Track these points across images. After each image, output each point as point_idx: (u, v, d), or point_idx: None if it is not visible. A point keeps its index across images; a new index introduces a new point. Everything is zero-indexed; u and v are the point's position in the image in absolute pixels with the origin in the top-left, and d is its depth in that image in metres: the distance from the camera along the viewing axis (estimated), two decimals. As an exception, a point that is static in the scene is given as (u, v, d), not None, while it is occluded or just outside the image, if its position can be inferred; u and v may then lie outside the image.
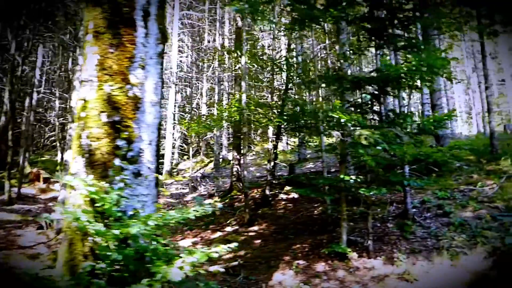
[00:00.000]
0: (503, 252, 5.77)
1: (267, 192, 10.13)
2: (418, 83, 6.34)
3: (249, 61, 10.69)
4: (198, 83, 22.09)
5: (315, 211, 9.40)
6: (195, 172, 19.58)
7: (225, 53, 16.21)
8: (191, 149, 22.17)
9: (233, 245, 3.19)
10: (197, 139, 21.94)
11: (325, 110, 5.57)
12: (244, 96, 9.73)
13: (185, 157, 23.24)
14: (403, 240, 7.06)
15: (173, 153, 21.20)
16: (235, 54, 11.58)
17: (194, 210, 3.44)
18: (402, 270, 6.06)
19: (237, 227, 9.35)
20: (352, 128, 5.76)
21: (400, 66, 5.90)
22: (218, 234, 9.08)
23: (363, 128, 5.70)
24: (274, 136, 12.14)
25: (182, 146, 23.82)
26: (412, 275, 5.85)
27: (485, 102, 18.01)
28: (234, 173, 12.25)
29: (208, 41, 20.18)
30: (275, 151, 10.75)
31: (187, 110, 23.95)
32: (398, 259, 6.29)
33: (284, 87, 11.06)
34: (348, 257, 6.73)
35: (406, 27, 6.56)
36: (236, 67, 12.05)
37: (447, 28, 9.00)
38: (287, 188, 10.70)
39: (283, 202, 10.45)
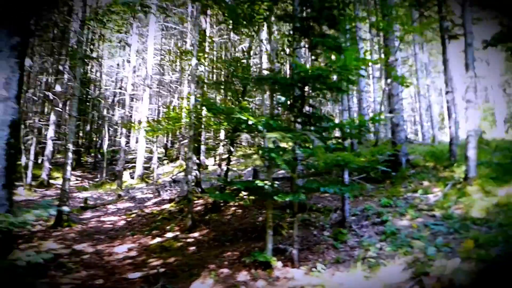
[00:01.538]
0: (422, 263, 5.41)
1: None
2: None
3: (202, 63, 10.44)
4: (177, 86, 21.91)
5: (260, 218, 9.07)
6: (173, 177, 19.29)
7: (181, 54, 15.99)
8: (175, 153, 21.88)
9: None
10: (177, 143, 21.66)
11: (233, 111, 5.26)
12: (192, 99, 9.46)
13: (166, 161, 22.99)
14: (332, 249, 6.72)
15: (151, 158, 20.93)
16: (188, 56, 11.34)
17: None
18: (318, 282, 5.72)
19: (178, 233, 9.03)
20: (264, 131, 5.44)
21: (313, 67, 5.61)
22: (157, 240, 8.75)
23: (273, 131, 5.40)
24: (226, 140, 11.85)
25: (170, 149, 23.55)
26: (325, 287, 5.51)
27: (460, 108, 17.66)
28: (193, 177, 11.94)
29: (183, 44, 20.01)
30: (229, 155, 10.44)
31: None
32: (317, 270, 5.95)
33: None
34: (272, 266, 6.38)
35: (332, 25, 6.29)
36: (189, 69, 11.79)
37: (404, 29, 8.71)
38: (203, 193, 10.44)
39: (233, 208, 10.13)
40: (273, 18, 6.71)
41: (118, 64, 24.88)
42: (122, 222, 10.86)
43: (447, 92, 10.37)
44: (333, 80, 5.91)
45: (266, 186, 5.82)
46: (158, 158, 22.77)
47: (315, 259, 6.46)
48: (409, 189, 8.70)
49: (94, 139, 28.02)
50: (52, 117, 16.70)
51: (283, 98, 5.58)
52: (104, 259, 7.83)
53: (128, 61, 19.26)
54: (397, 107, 10.19)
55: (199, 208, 10.77)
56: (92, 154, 26.85)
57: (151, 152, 20.02)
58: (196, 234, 8.79)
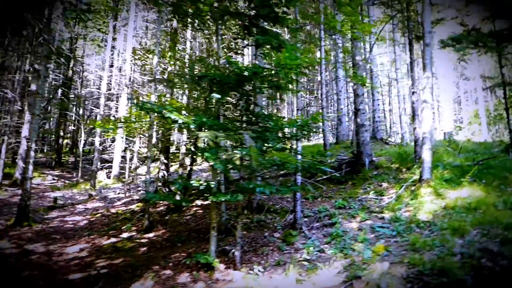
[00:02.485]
0: (357, 267, 5.29)
1: (177, 197, 9.65)
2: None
3: (169, 62, 10.31)
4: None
5: (218, 218, 8.91)
6: (147, 177, 19.05)
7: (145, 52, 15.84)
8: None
9: None
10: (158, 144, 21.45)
11: (163, 109, 5.12)
12: (153, 97, 9.31)
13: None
14: (277, 251, 6.59)
15: (132, 157, 20.72)
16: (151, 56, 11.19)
17: None
18: (254, 284, 5.59)
19: (134, 234, 8.88)
20: (196, 130, 5.31)
21: (249, 66, 5.50)
22: (111, 240, 8.59)
23: (210, 129, 5.28)
24: (187, 141, 11.70)
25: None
26: (258, 291, 5.39)
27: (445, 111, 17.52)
28: (160, 177, 11.80)
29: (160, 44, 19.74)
30: (192, 155, 10.29)
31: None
32: (254, 272, 5.82)
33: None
34: (215, 268, 6.24)
35: (274, 22, 6.17)
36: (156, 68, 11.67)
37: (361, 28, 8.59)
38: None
39: (195, 209, 9.99)
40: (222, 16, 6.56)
41: (101, 63, 24.69)
42: (84, 222, 10.68)
43: (413, 93, 10.27)
44: (271, 79, 5.77)
45: (201, 187, 5.68)
46: (139, 158, 22.58)
47: (258, 261, 6.33)
48: (368, 190, 8.59)
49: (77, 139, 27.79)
50: (27, 116, 16.48)
51: (217, 96, 5.44)
52: (52, 259, 7.67)
53: (103, 61, 19.07)
54: (361, 107, 10.07)
55: (161, 208, 10.63)
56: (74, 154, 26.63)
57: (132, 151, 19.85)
58: (151, 235, 8.64)
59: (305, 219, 7.68)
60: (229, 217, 8.69)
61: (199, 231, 8.35)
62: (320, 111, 11.17)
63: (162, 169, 11.80)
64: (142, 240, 8.38)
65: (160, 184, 11.74)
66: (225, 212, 8.22)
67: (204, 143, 5.24)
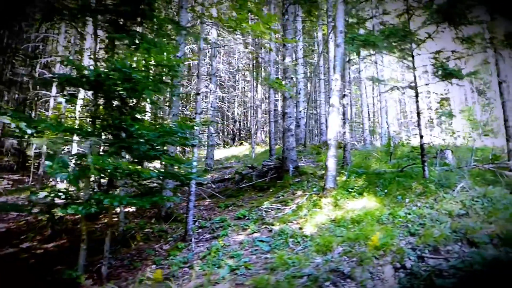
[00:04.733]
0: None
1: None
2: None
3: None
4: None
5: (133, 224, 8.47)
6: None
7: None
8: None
9: None
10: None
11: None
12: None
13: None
14: (153, 266, 6.13)
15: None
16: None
17: None
18: (106, 304, 5.13)
19: (35, 243, 8.42)
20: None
21: (105, 68, 5.07)
22: (9, 250, 8.13)
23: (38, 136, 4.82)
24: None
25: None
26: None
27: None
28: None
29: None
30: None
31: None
32: (110, 291, 5.35)
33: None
34: (81, 284, 5.78)
35: (138, 21, 5.72)
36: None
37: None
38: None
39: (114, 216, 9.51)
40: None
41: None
42: (2, 230, 10.24)
43: (343, 96, 9.79)
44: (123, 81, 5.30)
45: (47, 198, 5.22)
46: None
47: (126, 277, 5.88)
48: (279, 199, 8.11)
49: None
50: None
51: (61, 99, 4.99)
52: None
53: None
54: (288, 110, 9.59)
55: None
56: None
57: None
58: (50, 245, 8.17)
59: (200, 230, 7.23)
60: (136, 225, 8.25)
61: (102, 241, 7.88)
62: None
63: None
64: (38, 251, 7.92)
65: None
66: (123, 221, 7.77)
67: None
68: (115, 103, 5.85)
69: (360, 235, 5.06)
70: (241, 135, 36.17)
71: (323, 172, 9.59)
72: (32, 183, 18.63)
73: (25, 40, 19.83)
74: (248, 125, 34.47)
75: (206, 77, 19.75)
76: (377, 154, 10.60)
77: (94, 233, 8.79)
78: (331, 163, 7.10)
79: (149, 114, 10.88)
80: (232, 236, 6.52)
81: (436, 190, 6.35)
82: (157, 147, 5.80)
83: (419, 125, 7.10)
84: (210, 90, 16.60)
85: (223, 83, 26.96)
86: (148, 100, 5.71)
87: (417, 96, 7.13)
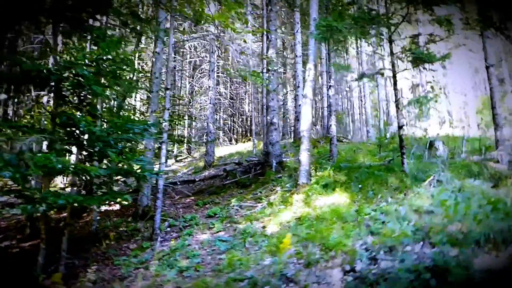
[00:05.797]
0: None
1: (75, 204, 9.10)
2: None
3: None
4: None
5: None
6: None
7: None
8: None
9: None
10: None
11: None
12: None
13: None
14: (111, 267, 5.95)
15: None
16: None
17: None
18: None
19: (14, 242, 8.41)
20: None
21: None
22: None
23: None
24: None
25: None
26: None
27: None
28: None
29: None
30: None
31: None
32: (67, 291, 5.21)
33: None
34: (40, 283, 5.68)
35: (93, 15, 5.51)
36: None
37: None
38: None
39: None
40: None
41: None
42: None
43: (329, 87, 9.36)
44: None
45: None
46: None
47: (83, 277, 5.72)
48: (256, 196, 7.81)
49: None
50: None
51: (3, 96, 4.85)
52: None
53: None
54: (271, 104, 9.24)
55: (66, 214, 10.13)
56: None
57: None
58: (27, 244, 8.14)
59: (168, 228, 7.01)
60: (112, 224, 8.13)
61: (80, 240, 7.80)
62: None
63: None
64: (14, 250, 7.90)
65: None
66: (95, 220, 7.65)
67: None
68: (67, 99, 5.68)
69: (316, 235, 4.71)
70: (253, 131, 35.85)
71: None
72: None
73: None
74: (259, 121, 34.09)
75: (206, 73, 19.54)
76: (369, 147, 10.11)
77: (73, 231, 8.73)
78: (304, 158, 6.73)
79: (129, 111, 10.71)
80: (197, 235, 6.27)
81: (412, 184, 5.90)
82: (114, 144, 5.59)
83: (397, 114, 6.62)
84: (209, 87, 16.37)
85: (226, 80, 26.58)
86: (99, 95, 5.49)
87: (395, 84, 6.66)
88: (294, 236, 4.95)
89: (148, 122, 5.88)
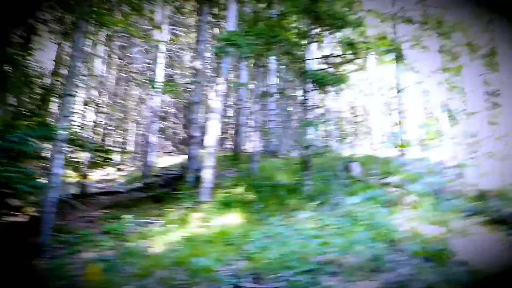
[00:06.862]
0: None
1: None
2: None
3: None
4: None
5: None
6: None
7: None
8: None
9: None
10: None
11: None
12: None
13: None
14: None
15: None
16: None
17: None
18: None
19: None
20: None
21: None
22: None
23: None
24: None
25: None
26: None
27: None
28: None
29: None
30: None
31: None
32: None
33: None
34: None
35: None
36: None
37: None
38: None
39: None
40: None
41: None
42: None
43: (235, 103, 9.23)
44: None
45: None
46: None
47: None
48: (160, 212, 7.44)
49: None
50: None
51: None
52: None
53: None
54: (194, 116, 8.96)
55: None
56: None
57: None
58: None
59: (61, 245, 6.47)
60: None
61: None
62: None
63: None
64: None
65: None
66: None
67: None
68: None
69: (186, 259, 4.43)
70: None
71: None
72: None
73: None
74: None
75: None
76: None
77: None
78: (207, 175, 6.48)
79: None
80: (81, 254, 5.80)
81: (306, 207, 5.80)
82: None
83: (301, 133, 6.57)
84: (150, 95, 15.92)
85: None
86: None
87: (304, 103, 6.61)
88: (168, 259, 4.66)
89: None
